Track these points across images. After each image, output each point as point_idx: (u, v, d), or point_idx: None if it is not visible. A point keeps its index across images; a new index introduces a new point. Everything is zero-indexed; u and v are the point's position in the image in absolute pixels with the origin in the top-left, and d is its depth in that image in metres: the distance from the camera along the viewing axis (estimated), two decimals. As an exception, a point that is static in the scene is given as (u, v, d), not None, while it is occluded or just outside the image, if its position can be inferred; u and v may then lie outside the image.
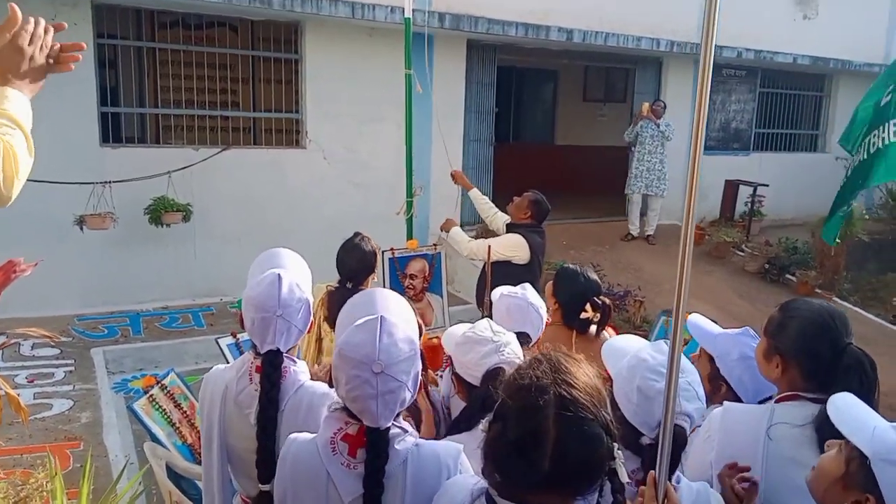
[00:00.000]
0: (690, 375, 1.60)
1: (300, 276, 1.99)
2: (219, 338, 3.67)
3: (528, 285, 2.67)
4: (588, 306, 2.78)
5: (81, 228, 5.93)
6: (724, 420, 1.75)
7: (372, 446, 1.44)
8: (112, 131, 6.64)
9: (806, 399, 1.71)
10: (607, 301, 2.86)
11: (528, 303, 2.53)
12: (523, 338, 2.32)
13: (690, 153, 1.51)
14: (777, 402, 1.77)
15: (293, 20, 7.15)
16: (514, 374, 1.28)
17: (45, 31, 1.51)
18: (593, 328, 2.82)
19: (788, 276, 8.17)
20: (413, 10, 4.58)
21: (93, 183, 6.00)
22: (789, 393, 1.75)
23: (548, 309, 2.86)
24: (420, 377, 1.56)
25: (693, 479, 1.60)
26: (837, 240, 5.16)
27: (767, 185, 9.53)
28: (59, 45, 1.54)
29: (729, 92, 10.54)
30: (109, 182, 6.08)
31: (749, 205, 9.57)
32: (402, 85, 4.62)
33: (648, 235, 8.80)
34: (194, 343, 5.67)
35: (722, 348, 2.04)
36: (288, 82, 7.49)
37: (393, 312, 1.57)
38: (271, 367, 1.84)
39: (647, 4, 8.80)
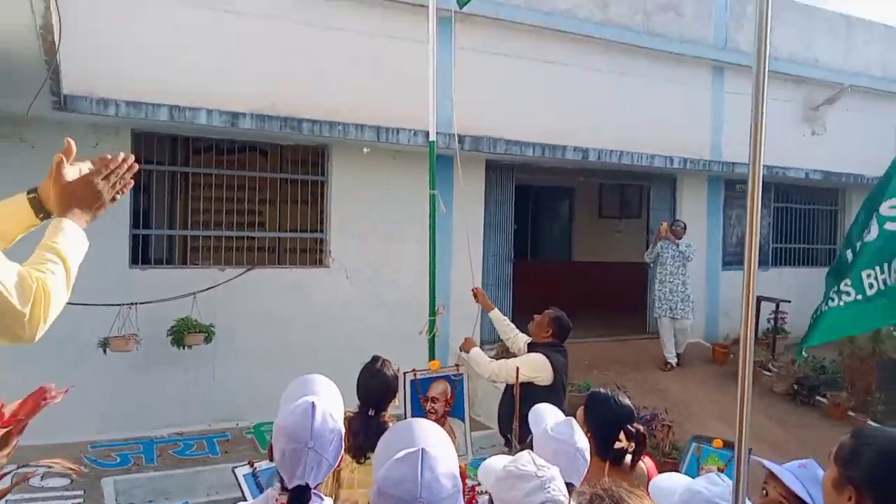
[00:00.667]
0: None
1: (334, 406, 1.91)
2: (235, 467, 3.55)
3: (572, 420, 2.44)
4: (622, 435, 2.67)
5: (105, 351, 5.97)
6: None
7: None
8: (142, 252, 6.84)
9: None
10: (642, 429, 2.75)
11: (577, 449, 2.27)
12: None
13: (745, 268, 1.52)
14: None
15: (321, 144, 7.51)
16: None
17: (129, 168, 1.60)
18: (628, 458, 2.70)
19: (819, 397, 7.89)
20: (436, 133, 4.79)
21: (119, 304, 6.11)
22: None
23: None
24: None
25: None
26: (804, 353, 5.04)
27: (790, 302, 9.42)
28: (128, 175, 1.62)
29: (744, 207, 10.62)
30: (136, 303, 6.19)
31: (772, 321, 9.41)
32: (423, 203, 4.75)
33: (677, 354, 8.62)
34: (208, 472, 5.52)
35: (796, 486, 1.98)
36: (314, 203, 7.76)
37: (434, 445, 1.52)
38: (303, 496, 1.72)
39: (660, 123, 9.13)
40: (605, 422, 2.71)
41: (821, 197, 11.53)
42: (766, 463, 2.06)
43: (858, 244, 4.70)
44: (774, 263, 10.93)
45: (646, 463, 2.75)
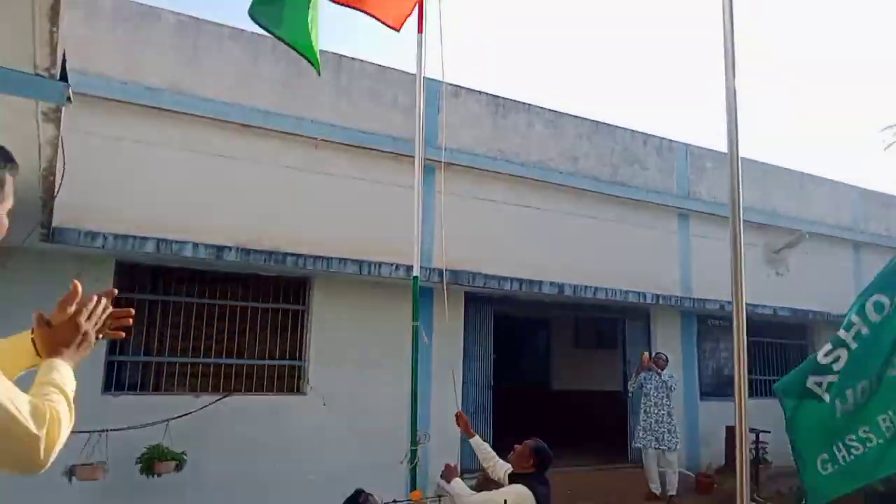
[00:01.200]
0: None
1: None
2: None
3: None
4: None
5: (70, 479, 5.71)
6: None
7: None
8: (115, 378, 6.73)
9: None
10: None
11: None
12: None
13: (736, 387, 1.64)
14: None
15: (303, 275, 7.69)
16: None
17: (104, 309, 1.67)
18: None
19: (806, 529, 7.71)
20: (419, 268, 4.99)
21: (90, 431, 5.93)
22: None
23: None
24: None
25: None
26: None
27: (769, 432, 9.42)
28: (109, 312, 1.69)
29: (717, 341, 10.95)
30: (107, 430, 6.01)
31: (753, 452, 9.37)
32: (402, 333, 4.86)
33: (671, 496, 8.39)
34: None
35: None
36: (293, 331, 7.80)
37: None
38: None
39: (632, 262, 9.57)
40: None
41: (790, 332, 11.89)
42: None
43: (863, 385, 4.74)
44: (751, 395, 10.94)
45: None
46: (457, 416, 5.13)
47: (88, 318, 1.62)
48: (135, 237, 6.32)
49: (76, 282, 1.64)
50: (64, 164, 4.13)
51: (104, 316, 1.67)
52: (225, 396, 6.94)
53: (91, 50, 6.47)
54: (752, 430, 9.30)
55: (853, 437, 4.60)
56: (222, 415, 6.83)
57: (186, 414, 6.58)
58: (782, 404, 4.93)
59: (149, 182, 6.68)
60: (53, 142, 3.43)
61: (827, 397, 4.57)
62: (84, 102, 5.94)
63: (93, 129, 6.35)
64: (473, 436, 5.06)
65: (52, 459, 1.41)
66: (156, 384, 7.63)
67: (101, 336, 1.67)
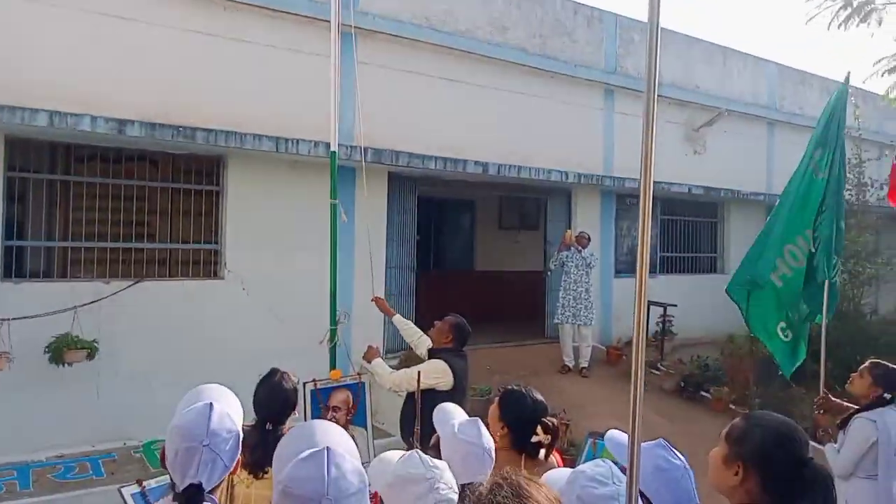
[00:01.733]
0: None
1: (232, 409, 1.87)
2: (122, 487, 3.32)
3: (478, 420, 2.43)
4: (539, 429, 2.72)
5: (-29, 370, 5.46)
6: None
7: None
8: (15, 265, 6.33)
9: None
10: (556, 422, 2.82)
11: (484, 450, 2.29)
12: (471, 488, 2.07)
13: (637, 272, 1.62)
14: None
15: (216, 154, 7.26)
16: (476, 498, 1.26)
17: None
18: (542, 451, 2.75)
19: (703, 392, 8.42)
20: (338, 145, 4.78)
21: (-11, 320, 5.62)
22: None
23: (493, 433, 2.79)
24: None
25: None
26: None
27: (676, 306, 10.02)
28: None
29: (633, 219, 11.29)
30: (8, 319, 5.70)
31: (660, 325, 9.97)
32: (323, 213, 4.73)
33: (582, 368, 8.83)
34: (92, 496, 5.12)
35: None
36: (207, 213, 7.46)
37: (338, 444, 1.51)
38: (195, 498, 1.65)
39: (556, 140, 9.54)
40: (521, 416, 2.76)
41: (703, 210, 12.38)
42: (608, 440, 2.18)
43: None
44: (662, 271, 11.59)
45: (554, 457, 2.82)
46: (374, 301, 5.17)
47: None
48: (24, 109, 5.73)
49: None
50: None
51: None
52: (137, 282, 6.68)
53: None
54: (659, 304, 9.86)
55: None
56: (136, 302, 6.59)
57: (96, 301, 6.32)
58: (736, 301, 5.25)
59: (40, 47, 5.99)
60: None
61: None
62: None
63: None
64: (394, 314, 5.13)
65: None
66: (61, 271, 7.25)
67: None
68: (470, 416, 2.84)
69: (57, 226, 7.31)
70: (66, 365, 5.88)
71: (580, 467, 1.66)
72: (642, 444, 2.12)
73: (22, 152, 6.41)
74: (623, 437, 2.20)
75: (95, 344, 6.05)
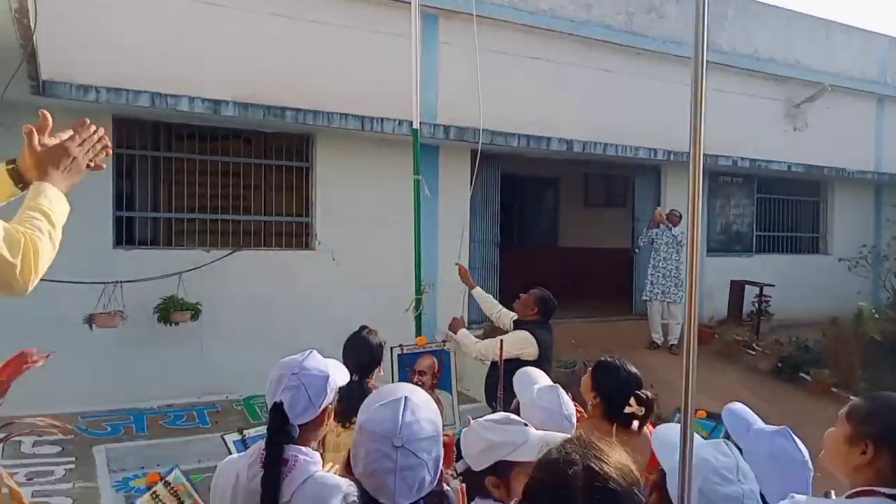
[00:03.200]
0: (752, 484, 1.55)
1: (331, 363, 2.02)
2: (224, 434, 3.57)
3: (558, 387, 2.48)
4: (632, 400, 2.70)
5: (91, 327, 5.94)
6: None
7: None
8: (126, 234, 6.80)
9: (884, 495, 1.65)
10: (650, 395, 2.78)
11: (563, 416, 2.34)
12: None
13: (688, 250, 1.58)
14: (850, 496, 1.70)
15: (305, 132, 7.50)
16: (545, 454, 1.27)
17: (99, 138, 1.66)
18: (635, 423, 2.73)
19: (802, 374, 8.07)
20: (420, 123, 4.84)
21: (104, 283, 6.07)
22: (866, 487, 1.68)
23: (586, 403, 2.79)
24: (441, 466, 1.52)
25: None
26: None
27: (773, 286, 9.58)
28: (102, 138, 1.68)
29: (728, 197, 10.83)
30: (120, 282, 6.15)
31: (756, 305, 9.58)
32: (409, 190, 4.78)
33: (672, 345, 8.66)
34: (198, 441, 5.54)
35: (752, 443, 1.97)
36: (298, 188, 7.74)
37: (418, 396, 1.58)
38: (279, 420, 1.80)
39: (644, 117, 9.24)
40: (615, 387, 2.75)
41: (803, 189, 11.74)
42: (728, 411, 2.11)
43: None
44: (758, 250, 11.10)
45: (649, 429, 2.79)
46: (458, 269, 5.22)
47: (81, 144, 1.61)
48: (128, 90, 6.12)
49: (44, 111, 1.62)
50: (35, 4, 3.88)
51: (96, 142, 1.65)
52: (235, 251, 7.03)
53: None
54: (756, 284, 9.47)
55: None
56: (233, 269, 6.95)
57: (198, 267, 6.69)
58: None
59: (140, 33, 6.35)
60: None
61: None
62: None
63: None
64: (475, 286, 5.18)
65: (32, 285, 1.43)
66: (166, 239, 7.73)
67: (91, 164, 1.65)
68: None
69: (161, 199, 7.80)
70: (173, 324, 6.31)
71: (703, 452, 1.56)
72: (765, 427, 2.05)
73: (128, 131, 6.83)
74: (745, 411, 2.14)
75: (199, 306, 6.43)
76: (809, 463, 1.93)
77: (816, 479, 1.95)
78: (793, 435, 1.96)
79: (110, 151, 1.74)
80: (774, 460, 1.88)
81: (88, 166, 1.65)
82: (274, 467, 1.76)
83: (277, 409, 1.81)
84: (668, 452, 1.62)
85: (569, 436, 1.35)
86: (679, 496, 1.38)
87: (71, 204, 1.61)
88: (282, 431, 1.80)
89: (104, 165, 1.73)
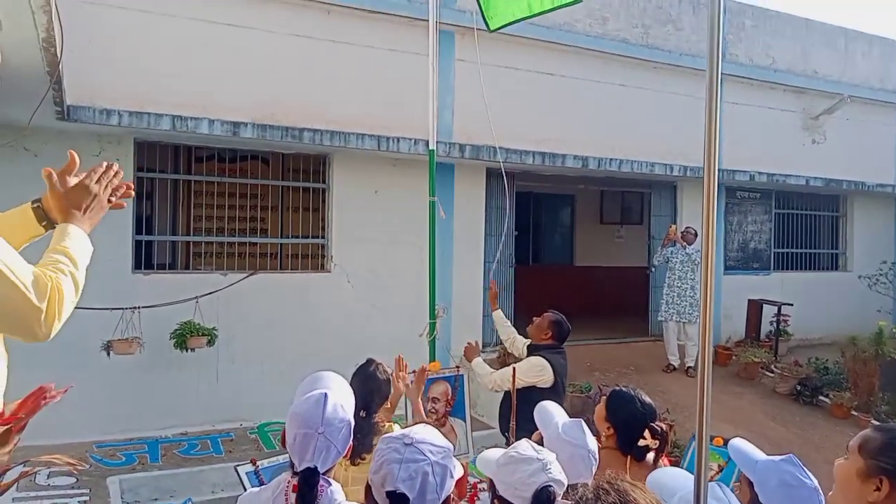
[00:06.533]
0: None
1: (345, 399, 2.02)
2: (238, 465, 3.59)
3: (581, 422, 2.39)
4: (647, 433, 2.67)
5: (108, 354, 6.01)
6: None
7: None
8: (144, 258, 6.89)
9: None
10: (665, 427, 2.74)
11: (589, 451, 2.27)
12: (572, 489, 2.02)
13: (703, 267, 1.58)
14: None
15: (322, 153, 7.57)
16: (580, 496, 1.27)
17: (115, 174, 1.70)
18: (650, 456, 2.69)
19: (822, 397, 7.91)
20: (436, 142, 4.86)
21: (122, 308, 6.15)
22: None
23: (600, 433, 2.75)
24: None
25: None
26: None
27: (792, 305, 9.45)
28: (121, 176, 1.72)
29: (745, 213, 10.72)
30: (139, 307, 6.22)
31: (774, 324, 9.43)
32: (424, 210, 4.79)
33: (688, 367, 8.49)
34: (212, 471, 5.56)
35: (762, 475, 1.97)
36: (315, 210, 7.81)
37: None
38: (307, 486, 1.81)
39: (659, 132, 9.19)
40: (629, 420, 2.71)
41: (822, 203, 11.58)
42: (732, 448, 2.11)
43: None
44: (776, 268, 10.95)
45: (664, 462, 2.75)
46: (490, 286, 5.21)
47: (99, 181, 1.65)
48: (150, 114, 6.21)
49: (72, 151, 1.65)
50: (62, 31, 3.97)
51: (115, 180, 1.69)
52: (252, 274, 7.08)
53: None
54: (774, 303, 9.33)
55: None
56: (250, 292, 7.00)
57: (215, 291, 6.75)
58: None
59: (158, 57, 6.46)
60: (45, 7, 3.27)
61: None
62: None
63: None
64: (497, 309, 5.15)
65: (55, 331, 1.44)
66: (184, 263, 7.84)
67: (112, 202, 1.69)
68: (568, 412, 2.83)
69: (180, 221, 7.92)
70: (188, 350, 6.35)
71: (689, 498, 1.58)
72: (771, 457, 2.04)
73: (148, 154, 6.93)
74: (747, 446, 2.13)
75: (215, 331, 6.48)
76: (819, 490, 1.91)
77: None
78: (798, 461, 1.96)
79: (132, 193, 1.76)
80: (787, 488, 1.88)
81: (110, 201, 1.68)
82: None
83: (310, 472, 1.83)
84: (662, 495, 1.63)
85: (601, 482, 1.35)
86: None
87: (93, 231, 1.64)
88: (314, 487, 1.83)
89: (125, 204, 1.77)
